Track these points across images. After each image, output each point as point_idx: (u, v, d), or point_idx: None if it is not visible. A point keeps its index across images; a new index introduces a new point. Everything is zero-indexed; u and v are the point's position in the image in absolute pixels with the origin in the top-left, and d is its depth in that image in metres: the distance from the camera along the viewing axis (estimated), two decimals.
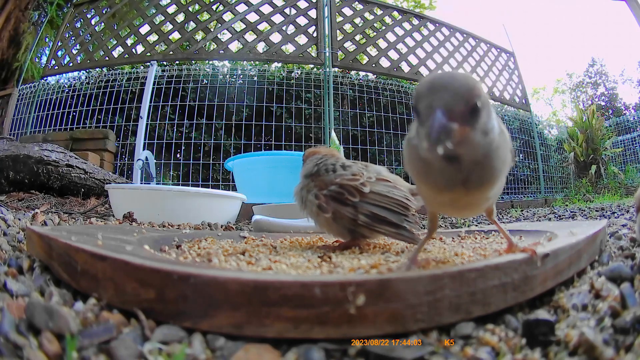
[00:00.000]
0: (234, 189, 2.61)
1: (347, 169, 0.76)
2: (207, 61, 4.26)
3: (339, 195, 0.71)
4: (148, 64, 3.54)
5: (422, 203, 0.79)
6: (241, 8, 3.64)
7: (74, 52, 3.78)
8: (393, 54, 3.86)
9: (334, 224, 0.73)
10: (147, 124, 3.35)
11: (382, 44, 3.93)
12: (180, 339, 0.34)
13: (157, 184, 2.91)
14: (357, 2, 3.94)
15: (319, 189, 0.74)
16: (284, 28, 3.64)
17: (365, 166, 0.78)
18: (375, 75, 4.33)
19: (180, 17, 3.72)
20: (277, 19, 3.66)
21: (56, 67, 3.80)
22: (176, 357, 0.31)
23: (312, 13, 3.67)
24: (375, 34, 3.88)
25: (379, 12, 3.98)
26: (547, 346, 0.37)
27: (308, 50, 3.56)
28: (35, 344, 0.33)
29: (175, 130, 3.85)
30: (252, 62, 3.96)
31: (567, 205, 3.53)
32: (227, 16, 3.64)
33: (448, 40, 4.22)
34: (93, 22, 3.94)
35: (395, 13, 4.08)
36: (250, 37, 3.71)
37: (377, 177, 0.74)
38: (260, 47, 3.67)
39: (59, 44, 3.85)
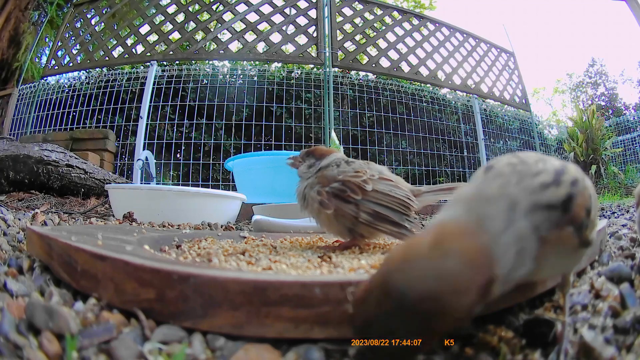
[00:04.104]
0: (234, 189, 2.61)
1: (350, 164, 0.76)
2: (207, 61, 4.26)
3: (341, 192, 0.71)
4: (148, 64, 3.54)
5: (423, 204, 0.79)
6: (241, 8, 3.64)
7: (74, 52, 3.77)
8: (393, 54, 3.85)
9: (335, 221, 0.72)
10: (147, 124, 3.35)
11: (382, 44, 3.93)
12: (180, 339, 0.34)
13: (157, 184, 2.91)
14: (357, 2, 3.94)
15: (321, 185, 0.74)
16: (284, 28, 3.64)
17: (367, 163, 0.78)
18: (375, 75, 4.33)
19: (180, 17, 3.71)
20: (277, 19, 3.66)
21: (56, 67, 3.79)
22: (176, 357, 0.31)
23: (312, 13, 3.67)
24: (375, 34, 3.88)
25: (379, 12, 3.98)
26: (547, 346, 0.37)
27: (308, 50, 3.56)
28: (35, 344, 0.33)
29: (175, 130, 3.85)
30: (252, 62, 3.96)
31: None
32: (227, 16, 3.64)
33: (448, 40, 4.22)
34: (93, 22, 3.94)
35: (395, 13, 4.08)
36: (250, 37, 3.70)
37: (380, 175, 0.74)
38: (260, 47, 3.67)
39: (59, 44, 3.85)
